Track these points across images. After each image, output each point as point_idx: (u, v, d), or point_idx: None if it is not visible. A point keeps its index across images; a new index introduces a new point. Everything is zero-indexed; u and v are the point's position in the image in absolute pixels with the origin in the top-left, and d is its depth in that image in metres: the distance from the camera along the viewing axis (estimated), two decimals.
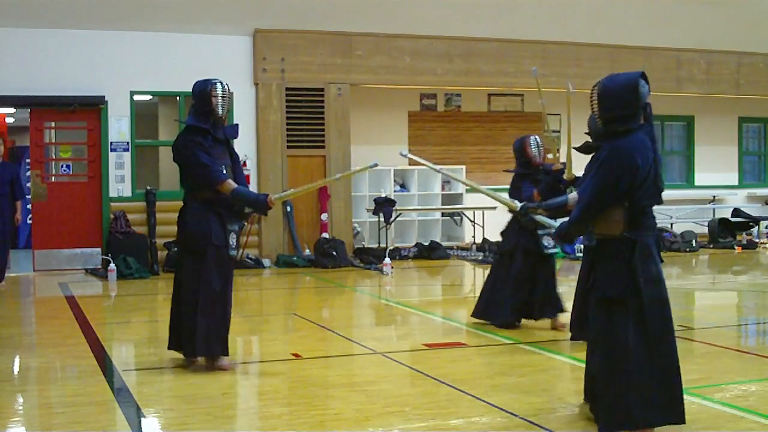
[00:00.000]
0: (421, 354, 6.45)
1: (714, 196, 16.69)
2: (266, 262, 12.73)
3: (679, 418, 4.23)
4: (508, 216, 7.18)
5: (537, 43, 14.18)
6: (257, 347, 6.85)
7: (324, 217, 13.17)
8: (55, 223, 12.22)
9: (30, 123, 12.43)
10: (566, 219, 4.64)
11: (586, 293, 4.58)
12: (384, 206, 13.07)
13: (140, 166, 13.01)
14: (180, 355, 5.87)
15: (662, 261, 4.43)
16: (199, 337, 5.63)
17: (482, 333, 7.14)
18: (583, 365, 4.63)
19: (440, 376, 5.51)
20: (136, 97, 12.68)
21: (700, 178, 16.97)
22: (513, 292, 7.13)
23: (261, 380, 5.57)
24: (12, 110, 13.83)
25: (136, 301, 9.76)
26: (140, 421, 4.68)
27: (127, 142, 12.45)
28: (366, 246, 13.77)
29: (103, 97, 12.20)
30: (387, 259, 11.95)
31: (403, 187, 14.68)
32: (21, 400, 5.18)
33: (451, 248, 14.26)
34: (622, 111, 4.27)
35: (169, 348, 5.93)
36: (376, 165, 5.91)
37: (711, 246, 15.13)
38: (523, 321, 7.26)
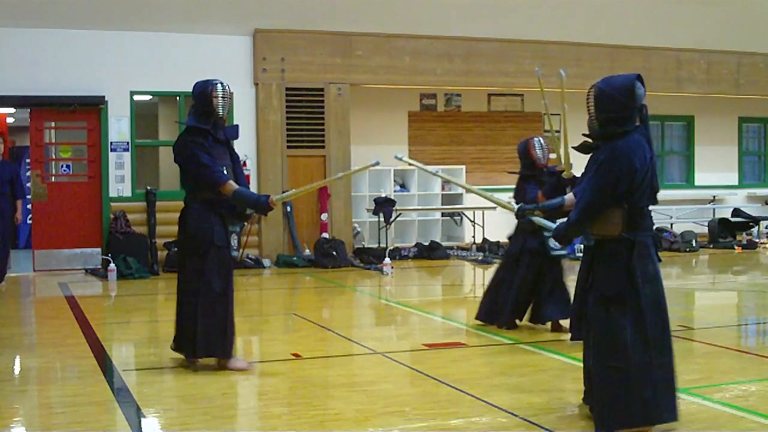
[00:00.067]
0: (421, 354, 6.45)
1: (714, 196, 16.69)
2: (266, 262, 12.73)
3: (674, 416, 4.29)
4: (510, 217, 7.16)
5: (537, 43, 14.18)
6: (257, 347, 6.85)
7: (324, 217, 13.18)
8: (55, 223, 12.22)
9: (30, 123, 12.43)
10: (564, 220, 4.66)
11: (585, 293, 4.58)
12: (384, 206, 13.08)
13: (140, 166, 13.02)
14: (181, 355, 5.88)
15: (660, 260, 4.46)
16: (200, 338, 5.63)
17: (482, 333, 7.15)
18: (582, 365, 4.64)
19: (440, 376, 5.51)
20: (136, 97, 12.68)
21: (700, 178, 16.98)
22: (516, 295, 7.10)
23: (261, 380, 5.57)
24: (12, 110, 13.83)
25: (136, 301, 9.76)
26: (140, 421, 4.68)
27: (127, 142, 12.45)
28: (366, 246, 13.77)
29: (103, 97, 12.20)
30: (387, 259, 11.95)
31: (403, 187, 14.68)
32: (21, 400, 5.18)
33: (451, 248, 14.26)
34: (619, 113, 4.32)
35: (173, 349, 5.93)
36: (377, 163, 5.91)
37: (711, 246, 15.13)
38: (524, 321, 7.25)
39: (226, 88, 5.79)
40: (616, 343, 4.25)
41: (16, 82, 11.85)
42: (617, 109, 4.31)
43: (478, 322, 7.37)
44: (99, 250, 12.26)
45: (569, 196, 5.08)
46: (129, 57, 12.40)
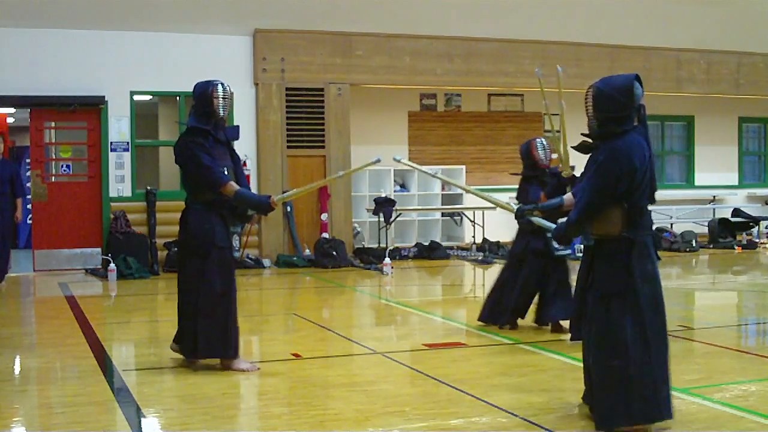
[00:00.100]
0: (421, 354, 6.45)
1: (714, 196, 16.69)
2: (266, 262, 12.73)
3: (671, 414, 4.33)
4: (510, 217, 7.15)
5: (537, 43, 14.18)
6: (257, 347, 6.85)
7: (324, 217, 13.18)
8: (55, 223, 12.22)
9: (30, 123, 12.43)
10: (564, 220, 4.67)
11: (585, 293, 4.59)
12: (384, 206, 13.08)
13: (140, 166, 13.02)
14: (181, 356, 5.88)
15: (659, 259, 4.48)
16: (201, 339, 5.62)
17: (482, 333, 7.14)
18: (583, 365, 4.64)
19: (440, 376, 5.51)
20: (136, 97, 12.68)
21: (700, 178, 16.98)
22: (519, 296, 7.07)
23: (261, 380, 5.57)
24: (12, 110, 13.83)
25: (136, 301, 9.76)
26: (140, 421, 4.68)
27: (127, 142, 12.45)
28: (366, 246, 13.77)
29: (103, 97, 12.20)
30: (387, 259, 11.95)
31: (403, 187, 14.69)
32: (21, 400, 5.18)
33: (451, 248, 14.26)
34: (617, 113, 4.34)
35: (173, 350, 5.94)
36: (379, 160, 5.89)
37: (711, 246, 15.13)
38: (529, 322, 7.22)
39: (227, 88, 5.79)
40: (616, 342, 4.27)
41: (16, 82, 11.85)
42: (616, 108, 4.34)
43: (479, 323, 7.35)
44: (99, 250, 12.26)
45: (568, 196, 5.09)
46: (129, 57, 12.40)
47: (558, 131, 5.69)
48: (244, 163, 12.13)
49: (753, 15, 15.06)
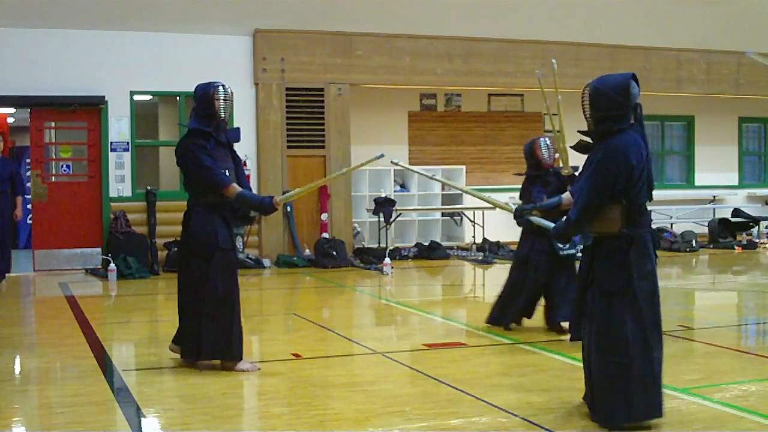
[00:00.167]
0: (421, 354, 6.45)
1: (714, 196, 16.69)
2: (266, 262, 12.73)
3: (661, 412, 4.37)
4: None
5: (537, 43, 14.18)
6: (257, 347, 6.84)
7: (324, 217, 13.18)
8: (55, 223, 12.22)
9: (30, 123, 12.44)
10: (563, 219, 4.68)
11: (584, 291, 4.60)
12: (384, 206, 13.08)
13: (140, 166, 13.02)
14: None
15: (657, 257, 4.51)
16: (205, 340, 5.62)
17: (482, 333, 7.14)
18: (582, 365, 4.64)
19: (440, 376, 5.51)
20: (136, 97, 12.68)
21: (700, 178, 16.98)
22: (528, 296, 7.01)
23: (261, 380, 5.57)
24: (12, 110, 13.83)
25: (136, 301, 9.76)
26: (140, 421, 4.68)
27: (127, 142, 12.45)
28: (366, 246, 13.77)
29: (103, 97, 12.20)
30: (387, 259, 11.95)
31: (403, 187, 14.69)
32: (21, 400, 5.18)
33: (451, 248, 14.26)
34: (614, 111, 4.38)
35: (172, 350, 5.94)
36: (382, 156, 5.87)
37: (711, 246, 15.13)
38: (524, 321, 7.23)
39: (228, 90, 5.78)
40: (617, 340, 4.31)
41: (16, 82, 11.85)
42: (612, 107, 4.37)
43: (486, 324, 7.31)
44: (99, 250, 12.26)
45: (566, 195, 5.09)
46: (129, 57, 12.40)
47: (558, 131, 5.70)
48: (244, 163, 12.13)
49: (753, 15, 15.05)
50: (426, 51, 13.81)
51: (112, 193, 12.38)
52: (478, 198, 5.86)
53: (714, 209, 16.47)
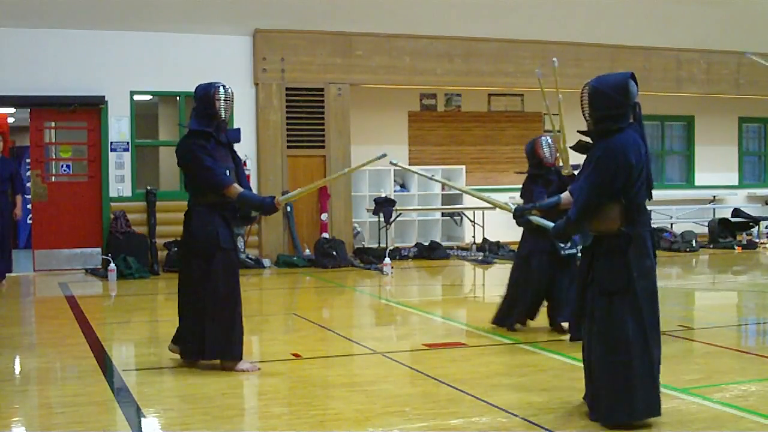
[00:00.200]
0: (421, 354, 6.45)
1: (714, 196, 16.69)
2: (266, 262, 12.73)
3: (660, 410, 4.39)
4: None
5: (537, 43, 14.18)
6: (257, 347, 6.84)
7: (324, 217, 13.18)
8: (55, 223, 12.22)
9: (30, 123, 12.43)
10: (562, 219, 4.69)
11: (584, 291, 4.60)
12: (384, 206, 13.08)
13: (140, 166, 13.02)
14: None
15: (655, 256, 4.52)
16: (209, 341, 5.62)
17: (482, 333, 7.14)
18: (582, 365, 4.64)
19: (440, 376, 5.51)
20: (136, 97, 12.68)
21: (700, 178, 16.98)
22: (531, 297, 6.99)
23: (261, 380, 5.57)
24: (12, 110, 13.83)
25: (136, 301, 9.76)
26: (140, 421, 4.68)
27: (127, 142, 12.45)
28: (366, 246, 13.77)
29: (103, 97, 12.20)
30: (387, 259, 11.95)
31: (403, 187, 14.69)
32: (21, 400, 5.18)
33: (451, 248, 14.26)
34: (613, 111, 4.40)
35: (171, 350, 5.94)
36: (385, 155, 5.87)
37: (711, 246, 15.12)
38: (528, 321, 7.19)
39: (229, 90, 5.79)
40: (618, 339, 4.32)
41: (16, 82, 11.85)
42: (611, 106, 4.39)
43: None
44: (99, 250, 12.26)
45: (566, 195, 5.10)
46: (129, 57, 12.40)
47: (558, 131, 5.70)
48: (244, 163, 12.13)
49: (753, 15, 15.06)
50: (426, 51, 13.80)
51: (112, 193, 12.38)
52: (478, 198, 5.86)
53: (714, 209, 16.47)
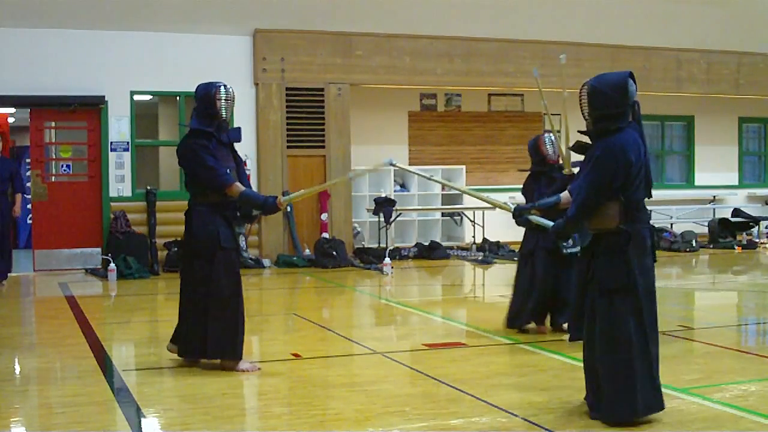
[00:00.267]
0: (421, 354, 6.45)
1: (714, 196, 16.69)
2: (266, 262, 12.73)
3: (663, 405, 4.43)
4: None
5: (537, 43, 14.18)
6: (257, 347, 6.84)
7: (324, 217, 13.18)
8: (55, 223, 12.22)
9: (30, 123, 12.44)
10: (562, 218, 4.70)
11: (584, 291, 4.61)
12: (384, 206, 13.07)
13: (140, 166, 13.02)
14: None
15: (655, 254, 4.54)
16: (211, 340, 5.62)
17: (482, 333, 7.14)
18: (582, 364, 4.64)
19: (440, 376, 5.51)
20: (136, 97, 12.68)
21: (700, 178, 16.98)
22: (538, 297, 6.93)
23: (261, 380, 5.57)
24: (12, 110, 13.83)
25: (136, 301, 9.76)
26: (140, 421, 4.68)
27: (127, 142, 12.45)
28: (366, 246, 13.77)
29: (103, 97, 12.20)
30: (387, 259, 11.95)
31: (403, 187, 14.69)
32: (21, 400, 5.18)
33: (451, 248, 14.26)
34: (612, 110, 4.41)
35: (170, 350, 5.95)
36: (390, 163, 5.88)
37: (711, 246, 15.13)
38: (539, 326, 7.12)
39: (230, 90, 5.79)
40: (620, 337, 4.35)
41: (16, 82, 11.85)
42: (611, 105, 4.40)
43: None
44: (99, 250, 12.26)
45: (565, 194, 5.10)
46: (129, 57, 12.40)
47: (558, 131, 5.70)
48: (245, 163, 12.12)
49: (753, 15, 15.06)
50: (426, 51, 13.80)
51: (112, 193, 12.38)
52: (477, 198, 5.86)
53: (714, 209, 16.47)
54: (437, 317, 8.43)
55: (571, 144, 4.82)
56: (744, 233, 15.74)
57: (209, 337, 5.63)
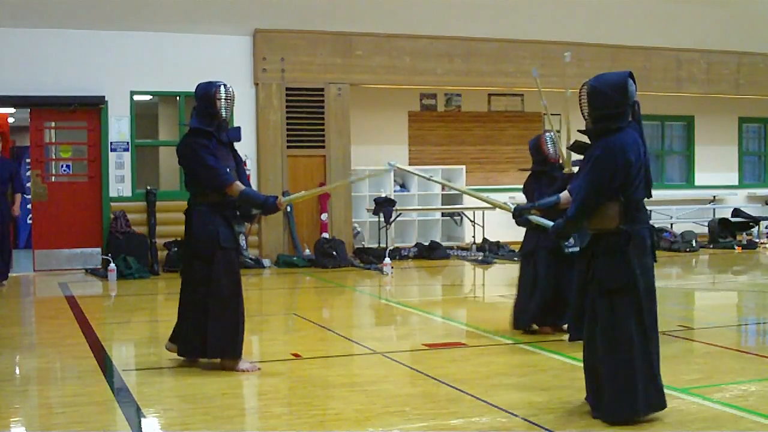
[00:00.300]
0: (421, 354, 6.45)
1: (714, 196, 16.69)
2: (266, 262, 12.73)
3: (665, 404, 4.45)
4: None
5: (537, 43, 14.18)
6: (257, 347, 6.84)
7: (324, 217, 13.18)
8: (55, 223, 12.22)
9: (30, 123, 12.44)
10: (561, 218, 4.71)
11: (584, 291, 4.62)
12: (384, 206, 13.07)
13: (140, 166, 13.01)
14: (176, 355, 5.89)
15: (655, 254, 4.55)
16: (212, 339, 5.61)
17: (482, 333, 7.15)
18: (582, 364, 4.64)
19: (440, 376, 5.51)
20: (136, 97, 12.68)
21: (700, 178, 16.98)
22: (541, 296, 6.91)
23: (261, 380, 5.57)
24: (12, 110, 13.83)
25: (136, 301, 9.76)
26: (140, 421, 4.68)
27: (127, 142, 12.45)
28: (366, 246, 13.77)
29: (103, 97, 12.20)
30: (387, 259, 11.95)
31: (403, 187, 14.69)
32: (21, 400, 5.18)
33: (451, 248, 14.26)
34: (612, 109, 4.42)
35: (169, 349, 5.95)
36: (392, 169, 5.89)
37: (711, 246, 15.13)
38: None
39: (230, 89, 5.79)
40: (621, 337, 4.36)
41: (16, 82, 11.85)
42: (610, 105, 4.41)
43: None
44: (99, 250, 12.26)
45: (565, 194, 5.10)
46: (129, 57, 12.40)
47: (558, 131, 5.71)
48: (245, 163, 12.12)
49: (753, 15, 15.06)
50: (426, 51, 13.80)
51: (112, 193, 12.38)
52: (477, 198, 5.86)
53: (714, 209, 16.47)
54: (437, 317, 8.43)
55: (570, 143, 4.82)
56: (744, 233, 15.74)
57: (209, 336, 5.63)
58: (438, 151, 14.93)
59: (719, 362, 6.02)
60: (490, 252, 13.68)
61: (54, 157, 12.95)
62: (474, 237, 14.16)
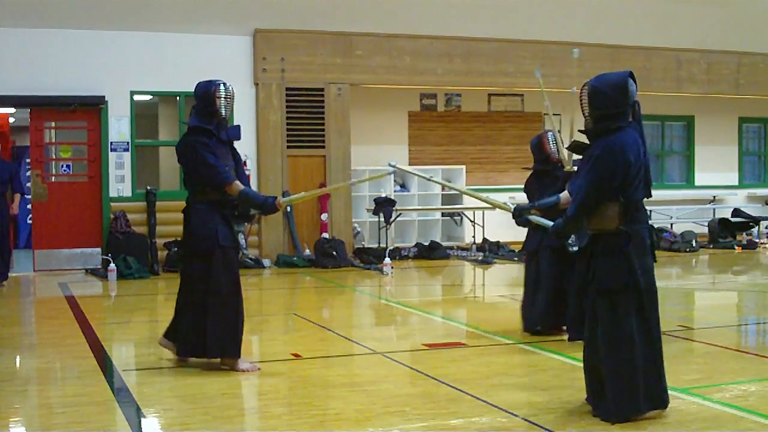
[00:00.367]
0: (421, 354, 6.45)
1: (714, 196, 16.69)
2: (266, 262, 12.73)
3: (667, 403, 4.47)
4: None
5: (537, 43, 14.18)
6: (257, 347, 6.84)
7: (324, 217, 13.18)
8: (55, 223, 12.22)
9: (30, 123, 12.44)
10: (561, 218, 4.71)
11: (583, 291, 4.62)
12: (384, 206, 13.07)
13: (140, 166, 13.01)
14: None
15: (655, 254, 4.56)
16: (212, 339, 5.61)
17: (482, 333, 7.15)
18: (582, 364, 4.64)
19: (440, 376, 5.51)
20: (136, 97, 12.68)
21: (700, 178, 16.98)
22: (546, 297, 6.87)
23: (261, 380, 5.57)
24: (12, 110, 13.83)
25: (136, 301, 9.76)
26: (140, 421, 4.68)
27: (127, 142, 12.45)
28: (366, 246, 13.77)
29: (103, 97, 12.20)
30: (387, 259, 11.95)
31: (403, 187, 14.68)
32: (21, 400, 5.18)
33: (451, 248, 14.26)
34: (612, 109, 4.43)
35: (163, 345, 5.95)
36: (393, 172, 5.89)
37: (711, 246, 15.13)
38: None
39: (229, 88, 5.79)
40: (622, 337, 4.36)
41: (16, 82, 11.85)
42: (611, 105, 4.42)
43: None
44: (99, 250, 12.26)
45: (564, 194, 5.10)
46: (129, 57, 12.40)
47: (560, 130, 5.71)
48: (245, 162, 12.13)
49: (753, 15, 15.06)
50: (426, 51, 13.80)
51: (112, 193, 12.38)
52: (476, 198, 5.86)
53: (714, 209, 16.47)
54: (437, 317, 8.43)
55: (568, 143, 4.83)
56: (744, 233, 15.74)
57: (209, 335, 5.63)
58: (438, 151, 14.93)
59: (719, 362, 6.02)
60: (490, 252, 13.68)
61: (54, 157, 12.94)
62: (474, 237, 14.15)
